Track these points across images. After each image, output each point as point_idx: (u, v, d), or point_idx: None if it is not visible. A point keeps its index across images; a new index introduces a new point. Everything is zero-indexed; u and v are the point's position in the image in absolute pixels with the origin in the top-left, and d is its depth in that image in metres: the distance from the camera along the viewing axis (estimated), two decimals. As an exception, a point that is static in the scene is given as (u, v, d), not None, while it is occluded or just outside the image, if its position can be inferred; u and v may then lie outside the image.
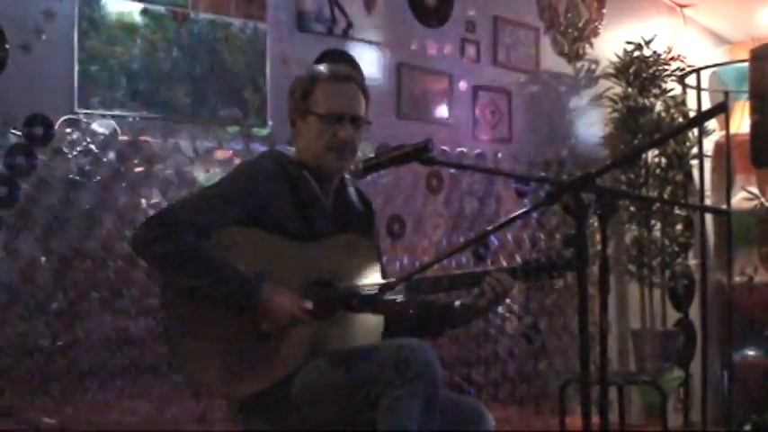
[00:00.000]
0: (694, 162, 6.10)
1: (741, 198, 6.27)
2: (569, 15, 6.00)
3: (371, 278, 2.76)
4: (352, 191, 2.94)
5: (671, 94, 6.06)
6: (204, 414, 4.09)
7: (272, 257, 2.66)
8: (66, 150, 3.85)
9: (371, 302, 2.70)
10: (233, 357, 2.58)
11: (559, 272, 2.73)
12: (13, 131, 3.72)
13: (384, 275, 2.84)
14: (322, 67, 2.87)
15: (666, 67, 6.03)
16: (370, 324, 2.74)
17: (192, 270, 2.54)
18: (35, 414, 3.67)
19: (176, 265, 2.55)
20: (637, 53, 6.01)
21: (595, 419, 1.96)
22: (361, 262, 2.78)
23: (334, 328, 2.69)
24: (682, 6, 6.62)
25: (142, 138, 4.05)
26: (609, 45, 6.16)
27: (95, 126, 3.92)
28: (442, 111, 5.26)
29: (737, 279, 6.11)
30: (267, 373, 2.58)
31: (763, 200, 6.12)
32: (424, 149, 2.38)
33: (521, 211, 2.27)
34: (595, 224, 2.01)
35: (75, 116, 3.87)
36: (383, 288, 2.69)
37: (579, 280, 1.95)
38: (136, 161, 4.03)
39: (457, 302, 2.82)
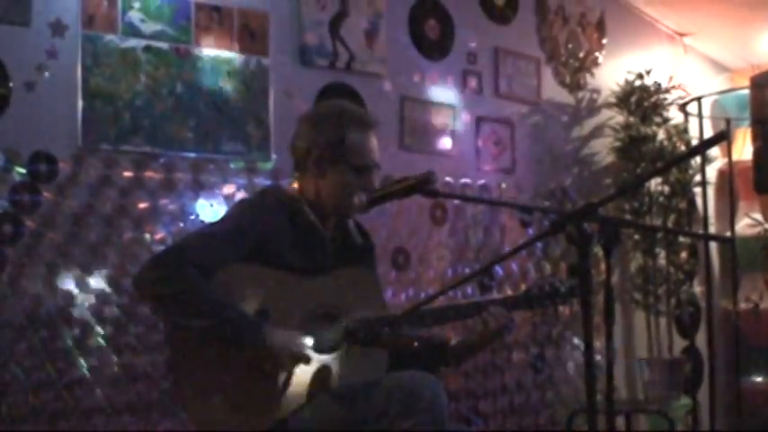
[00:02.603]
0: (697, 190, 6.11)
1: (745, 225, 6.28)
2: (570, 46, 6.02)
3: (374, 311, 2.76)
4: (351, 223, 2.95)
5: (673, 122, 6.08)
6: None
7: (275, 293, 2.66)
8: (70, 187, 3.86)
9: (375, 336, 2.69)
10: (237, 395, 2.57)
11: (563, 300, 2.74)
12: (17, 169, 3.74)
13: (384, 306, 2.84)
14: (347, 113, 2.87)
15: (668, 95, 6.06)
16: (374, 358, 2.73)
17: (194, 311, 2.54)
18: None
19: (178, 305, 2.55)
20: (638, 82, 6.04)
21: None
22: (363, 295, 2.79)
23: (338, 362, 2.69)
24: (682, 35, 6.65)
25: (146, 173, 4.06)
26: (610, 75, 6.19)
27: (99, 162, 3.93)
28: (445, 142, 5.27)
29: (743, 305, 6.11)
30: (272, 411, 2.58)
31: (766, 226, 6.12)
32: (426, 182, 2.39)
33: (523, 242, 2.28)
34: (599, 253, 2.01)
35: (79, 152, 3.89)
36: (386, 321, 2.69)
37: (584, 310, 1.95)
38: (140, 197, 4.04)
39: (453, 341, 2.82)
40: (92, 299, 3.87)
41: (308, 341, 2.60)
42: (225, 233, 2.67)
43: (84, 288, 3.85)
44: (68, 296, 3.81)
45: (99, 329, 3.86)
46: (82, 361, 3.81)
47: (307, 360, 2.58)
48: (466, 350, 2.85)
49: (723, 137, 1.90)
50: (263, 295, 2.64)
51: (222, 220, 2.80)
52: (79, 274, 3.85)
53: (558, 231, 2.06)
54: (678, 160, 5.43)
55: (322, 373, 2.64)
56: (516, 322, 2.82)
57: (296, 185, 2.90)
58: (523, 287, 2.90)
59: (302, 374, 2.60)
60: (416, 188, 2.45)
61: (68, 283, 3.82)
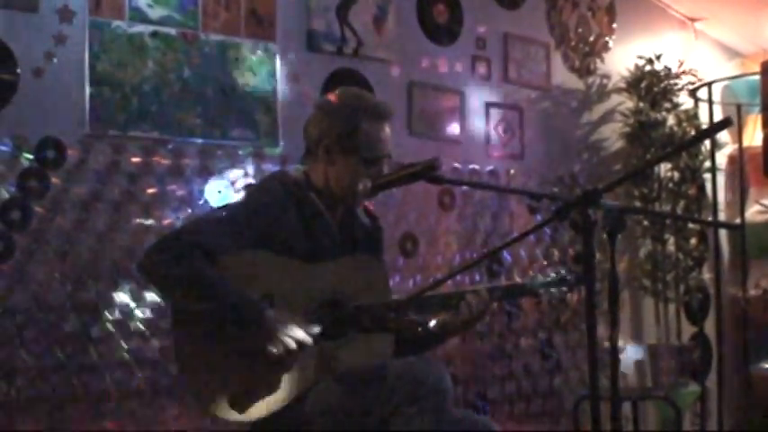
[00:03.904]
0: (707, 176, 6.09)
1: (755, 211, 6.26)
2: (580, 31, 6.00)
3: (380, 297, 2.76)
4: (358, 209, 2.95)
5: (683, 108, 6.05)
6: (218, 435, 4.09)
7: (281, 279, 2.66)
8: (78, 173, 3.87)
9: (380, 321, 2.69)
10: (242, 380, 2.58)
11: (569, 288, 2.74)
12: (25, 155, 3.75)
13: (389, 292, 2.84)
14: (362, 102, 2.86)
15: (678, 81, 6.04)
16: (379, 343, 2.74)
17: (199, 294, 2.54)
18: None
19: (183, 288, 2.56)
20: (648, 67, 6.02)
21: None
22: (369, 281, 2.79)
23: (343, 347, 2.69)
24: (693, 20, 6.61)
25: (154, 159, 4.07)
26: (620, 60, 6.16)
27: (107, 148, 3.94)
28: (454, 128, 5.26)
29: (752, 292, 6.10)
30: (277, 395, 2.58)
31: (777, 212, 6.10)
32: (431, 168, 2.39)
33: (529, 228, 2.27)
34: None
35: (86, 139, 3.90)
36: (391, 306, 2.70)
37: (587, 296, 1.95)
38: (148, 182, 4.05)
39: (432, 322, 2.82)
40: (100, 284, 3.88)
41: (314, 327, 2.61)
42: (231, 218, 2.68)
43: (93, 273, 3.86)
44: (77, 281, 3.83)
45: (107, 315, 3.88)
46: (90, 346, 3.82)
47: (310, 344, 2.58)
48: (446, 331, 2.84)
49: (728, 122, 1.88)
50: (268, 281, 2.64)
51: (229, 205, 2.80)
52: (87, 259, 3.86)
53: (563, 217, 2.05)
54: (683, 146, 5.41)
55: (326, 359, 2.64)
56: (524, 308, 2.82)
57: (303, 170, 2.89)
58: (531, 274, 2.91)
59: (307, 359, 2.60)
60: (421, 175, 2.44)
61: (77, 269, 3.83)
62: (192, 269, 2.53)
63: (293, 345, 2.54)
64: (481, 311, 2.76)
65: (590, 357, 1.92)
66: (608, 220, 1.97)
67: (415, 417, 2.39)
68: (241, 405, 2.58)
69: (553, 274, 2.78)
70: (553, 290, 2.78)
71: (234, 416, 2.65)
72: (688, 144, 5.31)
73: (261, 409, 2.57)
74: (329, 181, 2.82)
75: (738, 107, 6.21)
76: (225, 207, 2.80)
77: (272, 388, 2.58)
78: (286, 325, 2.55)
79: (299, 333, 2.56)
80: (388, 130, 2.85)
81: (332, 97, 2.89)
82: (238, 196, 2.90)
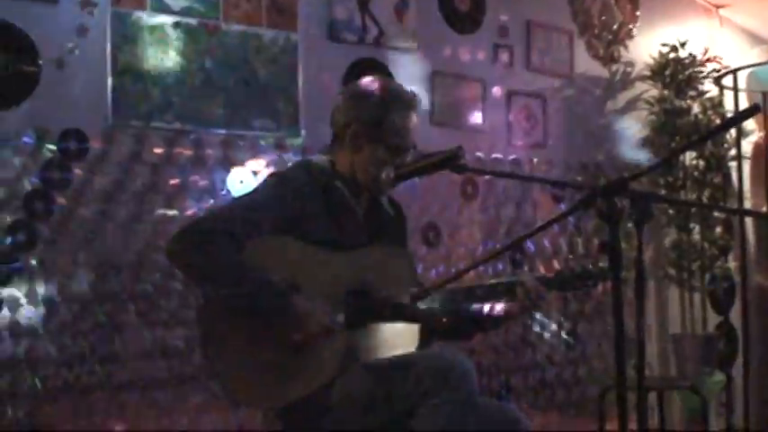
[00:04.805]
0: (733, 164, 6.04)
1: (781, 199, 6.20)
2: (603, 18, 5.95)
3: (406, 286, 2.75)
4: (384, 199, 2.93)
5: (708, 95, 6.00)
6: (242, 425, 4.09)
7: (306, 267, 2.66)
8: (100, 164, 3.87)
9: (404, 311, 2.68)
10: (269, 367, 2.57)
11: (594, 282, 2.72)
12: (47, 146, 3.75)
13: (417, 283, 2.83)
14: (390, 92, 2.84)
15: (703, 68, 5.98)
16: (405, 333, 2.73)
17: (225, 279, 2.54)
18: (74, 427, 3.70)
19: (210, 274, 2.56)
20: (672, 55, 5.96)
21: (635, 425, 1.93)
22: (395, 271, 2.78)
23: (368, 336, 2.69)
24: (717, 7, 6.55)
25: (176, 149, 4.07)
26: (644, 47, 6.11)
27: (129, 139, 3.94)
28: (476, 117, 5.23)
29: (778, 281, 6.05)
30: (303, 383, 2.58)
31: (803, 201, 6.05)
32: (454, 157, 2.37)
33: (553, 217, 2.25)
34: (633, 229, 1.98)
35: (109, 130, 3.90)
36: (416, 297, 2.68)
37: (614, 286, 1.92)
38: (170, 173, 4.05)
39: (487, 307, 2.80)
40: (123, 274, 3.89)
41: (339, 315, 2.60)
42: (257, 204, 2.67)
43: (116, 264, 3.87)
44: (100, 271, 3.83)
45: (131, 305, 3.88)
46: (114, 336, 3.83)
47: (335, 331, 2.58)
48: (502, 318, 2.82)
49: (756, 109, 1.85)
50: (294, 269, 2.64)
51: (255, 191, 2.79)
52: (110, 250, 3.87)
53: (588, 206, 2.03)
54: (710, 135, 5.35)
55: (352, 347, 2.64)
56: (548, 299, 2.79)
57: (329, 158, 2.87)
58: (556, 264, 2.89)
59: (332, 348, 2.60)
60: (445, 164, 2.42)
61: (100, 259, 3.84)
62: (217, 255, 2.53)
63: (319, 332, 2.54)
64: (538, 300, 2.73)
65: (617, 347, 1.90)
66: (636, 209, 1.95)
67: (440, 407, 2.39)
68: (268, 392, 2.57)
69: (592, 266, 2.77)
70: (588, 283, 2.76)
71: (260, 403, 2.66)
72: (715, 132, 5.25)
73: (287, 396, 2.57)
74: (354, 169, 2.81)
75: (764, 94, 6.15)
76: (251, 193, 2.79)
77: (298, 375, 2.57)
78: (312, 312, 2.55)
79: (325, 320, 2.56)
80: (415, 120, 2.83)
81: (361, 85, 2.88)
82: (263, 181, 2.85)
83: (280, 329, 2.55)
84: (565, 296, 5.44)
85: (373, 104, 2.79)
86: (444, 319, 2.76)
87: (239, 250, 2.57)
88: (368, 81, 2.89)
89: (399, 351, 2.68)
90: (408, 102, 2.83)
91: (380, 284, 2.73)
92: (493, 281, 2.80)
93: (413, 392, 2.44)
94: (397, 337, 2.72)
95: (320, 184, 2.77)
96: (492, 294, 2.77)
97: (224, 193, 4.17)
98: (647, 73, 6.04)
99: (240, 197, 2.91)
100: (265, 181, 2.84)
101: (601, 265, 2.78)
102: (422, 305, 2.71)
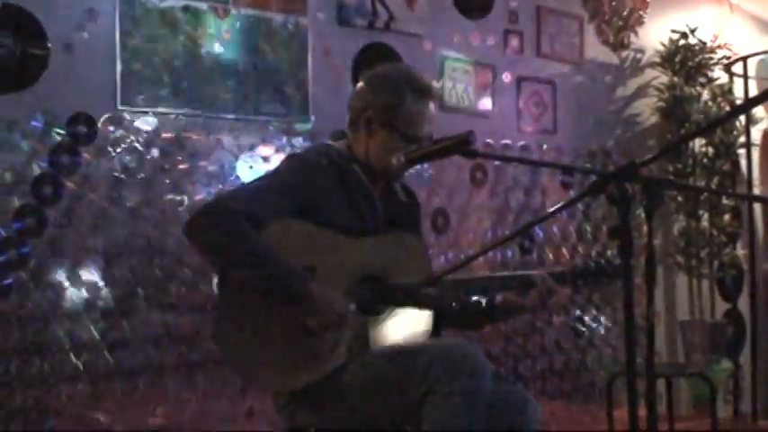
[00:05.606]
0: (742, 151, 6.02)
1: (790, 186, 6.19)
2: (614, 4, 5.93)
3: (421, 274, 2.75)
4: (397, 184, 2.93)
5: (718, 82, 5.98)
6: (252, 409, 4.10)
7: (323, 251, 2.65)
8: (109, 148, 3.88)
9: (416, 297, 2.68)
10: (281, 352, 2.57)
11: (609, 279, 2.72)
12: (56, 130, 3.75)
13: (430, 271, 2.83)
14: (409, 78, 2.82)
15: (713, 55, 5.96)
16: (417, 320, 2.73)
17: (243, 260, 2.53)
18: (84, 412, 3.71)
19: (227, 253, 2.54)
20: (682, 42, 5.94)
21: (644, 412, 1.92)
22: (408, 258, 2.77)
23: (381, 323, 2.68)
24: (728, -7, 6.53)
25: (185, 134, 4.07)
26: (654, 34, 6.09)
27: (138, 123, 3.94)
28: (486, 103, 5.22)
29: (788, 268, 6.04)
30: (315, 368, 2.57)
31: (813, 188, 6.03)
32: (465, 142, 2.35)
33: (563, 202, 2.23)
34: (642, 215, 1.97)
35: (118, 114, 3.90)
36: (428, 282, 2.68)
37: (624, 272, 1.91)
38: (179, 158, 4.05)
39: (499, 297, 2.80)
40: (132, 260, 3.89)
41: (351, 305, 2.60)
42: (275, 186, 2.66)
43: (125, 248, 3.88)
44: (108, 257, 3.84)
45: (140, 290, 3.89)
46: (123, 321, 3.84)
47: (350, 318, 2.58)
48: (514, 310, 2.82)
49: (767, 96, 1.84)
50: (310, 253, 2.63)
51: (273, 173, 2.77)
52: (119, 234, 3.87)
53: (599, 191, 2.02)
54: (719, 121, 5.32)
55: (365, 334, 2.64)
56: (561, 295, 2.79)
57: (346, 143, 2.86)
58: (564, 251, 2.88)
59: (345, 334, 2.60)
60: (455, 149, 2.41)
61: (108, 244, 3.85)
62: (236, 235, 2.51)
63: (334, 318, 2.54)
64: (552, 298, 2.74)
65: (627, 334, 1.89)
66: (647, 195, 1.93)
67: (451, 395, 2.38)
68: (280, 376, 2.57)
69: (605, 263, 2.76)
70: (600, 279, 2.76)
71: (273, 386, 2.66)
72: (724, 119, 5.23)
73: (299, 380, 2.57)
74: (369, 154, 2.80)
75: (774, 81, 6.13)
76: (269, 175, 2.77)
77: (310, 360, 2.57)
78: (328, 300, 2.54)
79: (341, 309, 2.56)
80: (432, 109, 2.82)
81: (380, 71, 2.86)
82: (281, 164, 2.84)
83: (294, 314, 2.55)
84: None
85: (389, 90, 2.78)
86: (454, 304, 2.76)
87: (259, 232, 2.56)
88: (387, 67, 2.88)
89: (412, 337, 2.68)
90: (425, 90, 2.81)
91: (394, 271, 2.73)
92: (506, 273, 2.80)
93: (424, 379, 2.44)
94: (410, 324, 2.72)
95: (338, 167, 2.76)
96: (504, 287, 2.77)
97: (233, 178, 4.17)
98: (657, 59, 6.02)
99: (260, 178, 2.89)
100: (284, 163, 2.82)
101: (615, 261, 2.77)
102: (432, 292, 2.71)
